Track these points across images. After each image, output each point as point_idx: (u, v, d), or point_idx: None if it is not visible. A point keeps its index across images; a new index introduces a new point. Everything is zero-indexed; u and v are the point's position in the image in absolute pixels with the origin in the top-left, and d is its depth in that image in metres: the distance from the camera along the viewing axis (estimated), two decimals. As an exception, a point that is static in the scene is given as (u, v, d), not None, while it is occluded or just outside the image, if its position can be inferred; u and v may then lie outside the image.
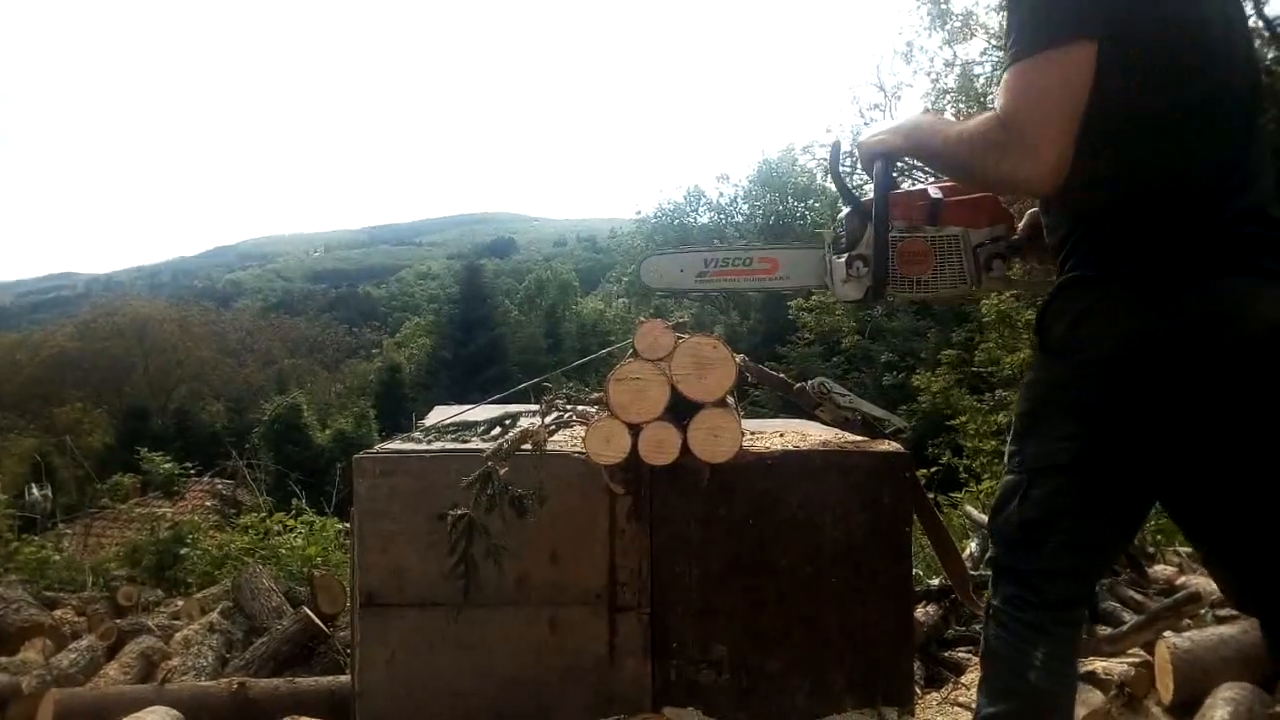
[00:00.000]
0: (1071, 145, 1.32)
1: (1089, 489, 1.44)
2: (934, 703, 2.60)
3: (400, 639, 2.28)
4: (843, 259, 1.91)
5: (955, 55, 18.54)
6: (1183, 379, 1.34)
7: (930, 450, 12.33)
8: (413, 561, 2.27)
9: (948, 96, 18.38)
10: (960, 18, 17.71)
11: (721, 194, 37.36)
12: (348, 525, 2.70)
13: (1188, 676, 2.43)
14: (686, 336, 2.16)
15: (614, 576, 2.30)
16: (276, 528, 5.93)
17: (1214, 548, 1.55)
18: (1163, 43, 1.35)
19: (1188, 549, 3.53)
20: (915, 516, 2.42)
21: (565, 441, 2.38)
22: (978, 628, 1.67)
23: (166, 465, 9.44)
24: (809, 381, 2.66)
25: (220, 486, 13.54)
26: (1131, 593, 3.30)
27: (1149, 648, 2.67)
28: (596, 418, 2.18)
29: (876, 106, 23.48)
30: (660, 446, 2.12)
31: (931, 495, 3.63)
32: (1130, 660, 2.64)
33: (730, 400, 2.25)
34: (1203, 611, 2.94)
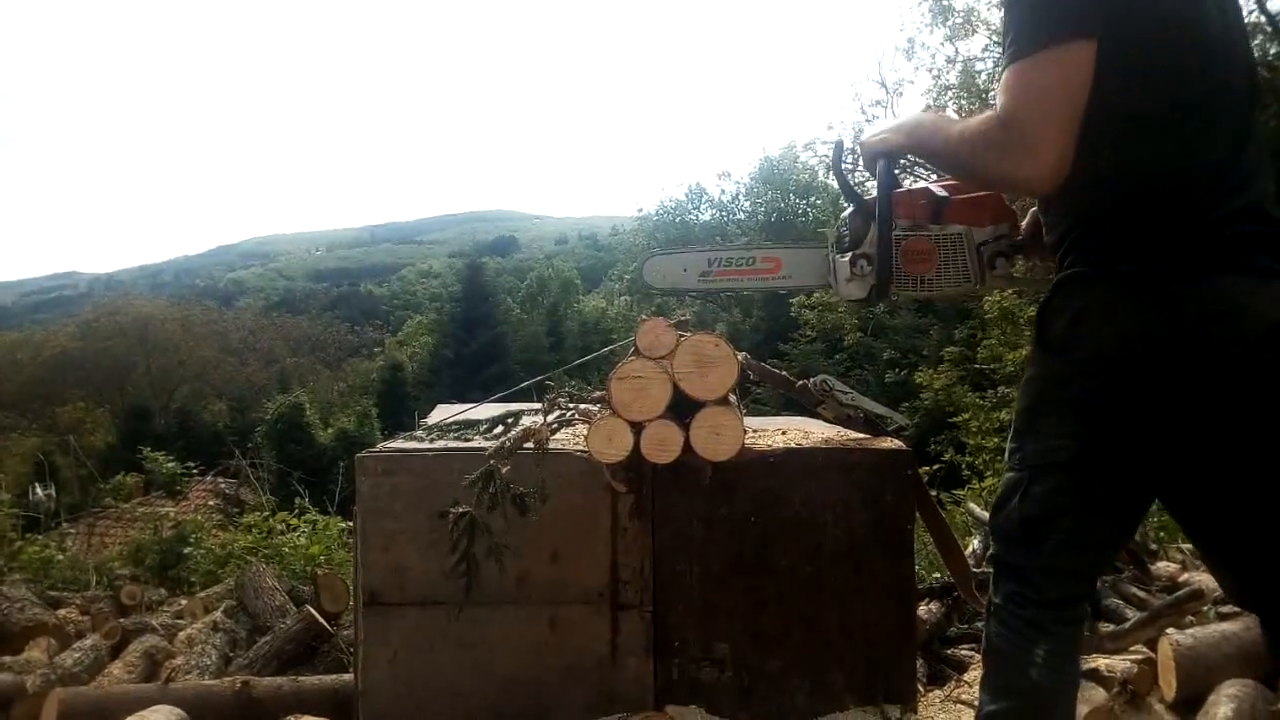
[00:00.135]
0: (1072, 144, 1.32)
1: (1089, 486, 1.44)
2: (936, 701, 2.60)
3: (402, 638, 2.28)
4: (846, 258, 1.91)
5: (957, 51, 18.52)
6: (1181, 376, 1.34)
7: (932, 447, 12.33)
8: (415, 560, 2.27)
9: (949, 93, 18.37)
10: (962, 14, 17.70)
11: (723, 191, 37.43)
12: (350, 524, 2.71)
13: (1190, 673, 2.43)
14: (688, 334, 2.16)
15: (616, 575, 2.30)
16: (279, 527, 5.93)
17: (1213, 545, 1.55)
18: (1161, 42, 1.35)
19: (1190, 546, 3.52)
20: (918, 514, 2.42)
21: (567, 440, 2.38)
22: (980, 625, 1.67)
23: (169, 465, 9.44)
24: (811, 379, 2.66)
25: (223, 485, 13.56)
26: (1134, 590, 3.30)
27: (1152, 645, 2.67)
28: (598, 416, 2.18)
29: (878, 103, 23.46)
30: (662, 445, 2.12)
31: (934, 493, 3.63)
32: (1133, 657, 2.64)
33: (732, 398, 2.25)
34: (1205, 609, 2.94)
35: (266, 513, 6.32)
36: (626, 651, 2.29)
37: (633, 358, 2.15)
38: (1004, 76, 1.37)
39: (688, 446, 2.12)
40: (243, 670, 3.23)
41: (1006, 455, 1.58)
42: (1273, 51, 11.77)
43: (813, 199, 31.33)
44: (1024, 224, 1.84)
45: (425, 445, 2.45)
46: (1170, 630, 2.63)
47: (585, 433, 2.18)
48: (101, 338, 36.08)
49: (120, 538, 7.70)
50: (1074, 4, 1.32)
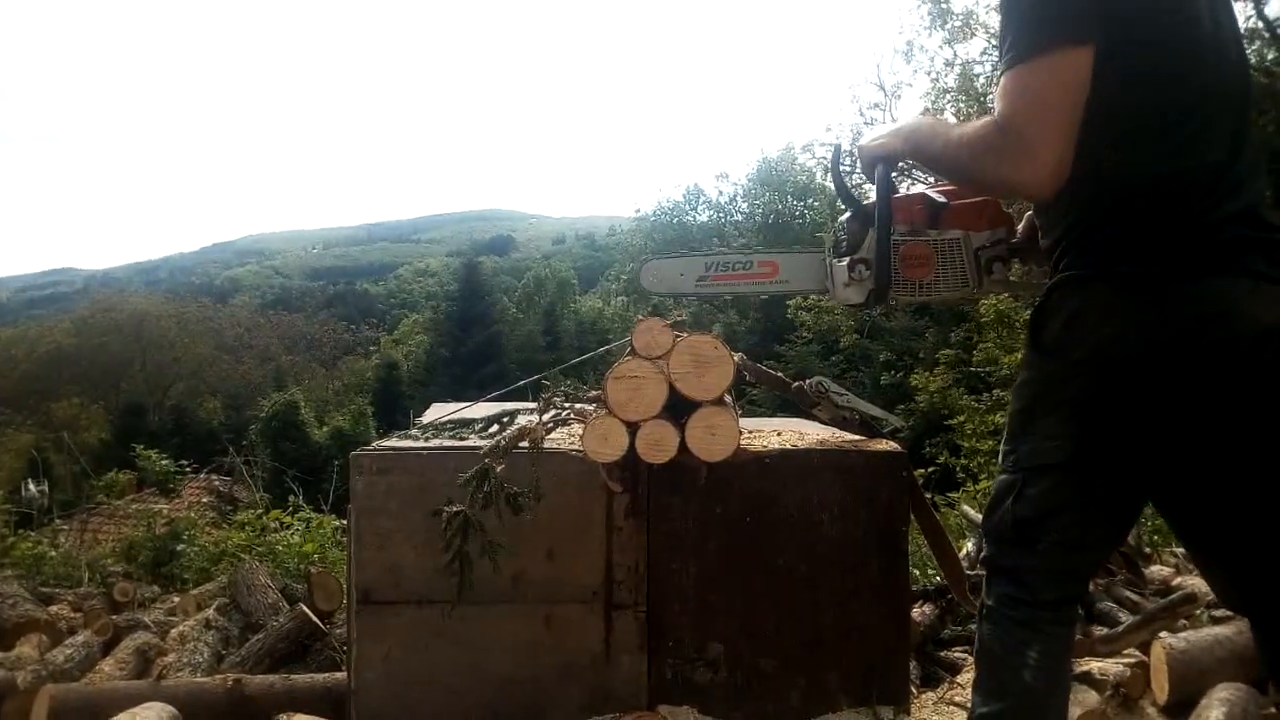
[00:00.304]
0: (1070, 149, 1.32)
1: (1083, 487, 1.45)
2: (930, 702, 2.61)
3: (397, 636, 2.28)
4: (844, 263, 1.91)
5: (955, 54, 18.57)
6: (1175, 378, 1.34)
7: (928, 450, 12.35)
8: (410, 559, 2.26)
9: (948, 96, 18.41)
10: (960, 17, 17.75)
11: (721, 193, 37.39)
12: (345, 522, 2.70)
13: (1183, 677, 2.43)
14: (685, 335, 2.16)
15: (610, 574, 2.29)
16: (273, 524, 5.92)
17: (1205, 547, 1.56)
18: (1157, 46, 1.36)
19: (1183, 550, 3.53)
20: (912, 516, 2.42)
21: (563, 439, 2.37)
22: (974, 627, 1.68)
23: (163, 463, 9.42)
24: (807, 380, 2.66)
25: (217, 483, 13.53)
26: (1128, 593, 3.31)
27: (1145, 648, 2.68)
28: (594, 416, 2.18)
29: (876, 105, 23.51)
30: (658, 445, 2.12)
31: (929, 495, 3.64)
32: (1126, 660, 2.65)
33: (728, 399, 2.25)
34: (1198, 612, 2.94)
35: (260, 510, 6.32)
36: (620, 650, 2.29)
37: (629, 358, 2.15)
38: (1002, 82, 1.37)
39: (683, 447, 2.12)
40: (235, 668, 3.23)
41: (1000, 458, 1.58)
42: (1270, 57, 11.81)
43: (810, 201, 31.34)
44: (1020, 228, 1.84)
45: (420, 444, 2.44)
46: (1163, 634, 2.64)
47: (581, 432, 2.18)
48: (97, 334, 36.04)
49: (113, 534, 7.68)
50: (1071, 9, 1.33)
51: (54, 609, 4.48)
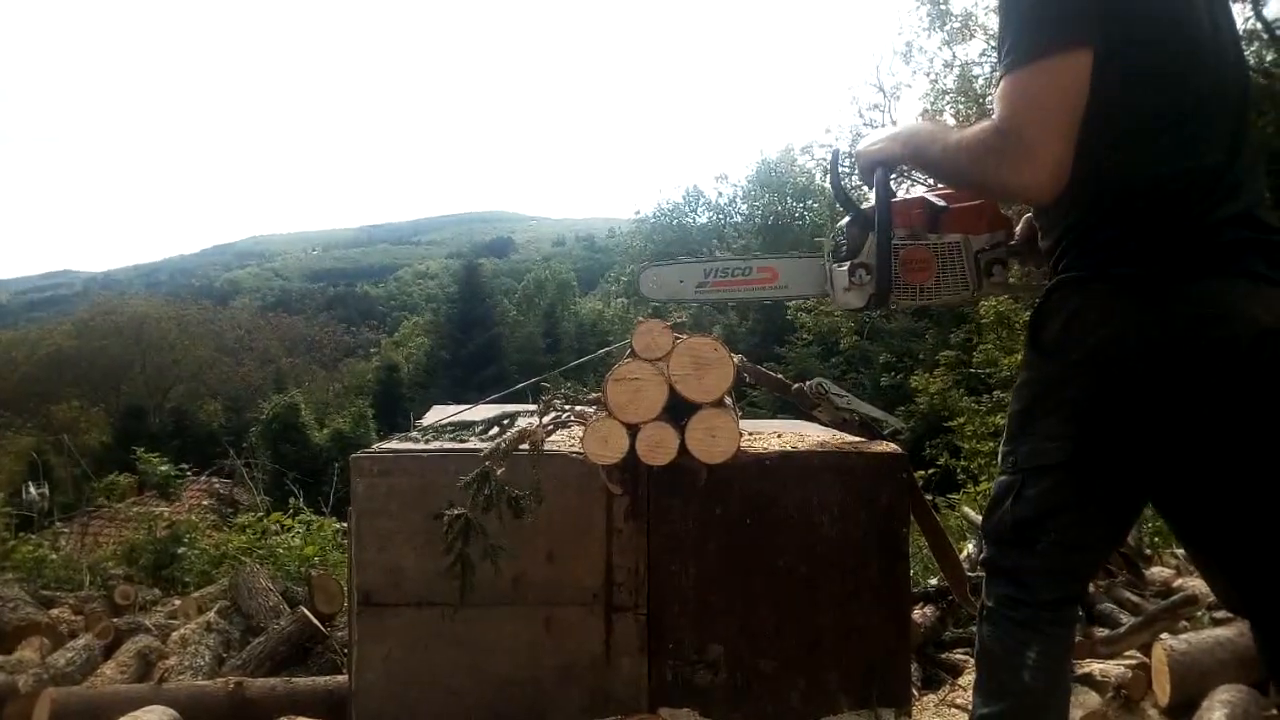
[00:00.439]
0: (1070, 152, 1.32)
1: (1082, 487, 1.45)
2: (931, 704, 2.61)
3: (397, 638, 2.28)
4: (844, 267, 1.92)
5: (954, 56, 18.61)
6: (1173, 379, 1.35)
7: (928, 451, 12.36)
8: (410, 561, 2.27)
9: (947, 97, 18.44)
10: (959, 18, 17.77)
11: (720, 194, 37.49)
12: (345, 525, 2.70)
13: (1184, 679, 2.43)
14: (685, 337, 2.16)
15: (610, 576, 2.30)
16: (274, 527, 5.92)
17: (1205, 548, 1.56)
18: (1155, 48, 1.36)
19: (1183, 551, 3.54)
20: (913, 517, 2.42)
21: (563, 441, 2.37)
22: (975, 629, 1.68)
23: (163, 467, 9.42)
24: (807, 382, 2.66)
25: (218, 485, 13.54)
26: (1128, 595, 3.31)
27: (1146, 650, 2.68)
28: (594, 418, 2.18)
29: (875, 107, 23.58)
30: (658, 447, 2.12)
31: (929, 496, 3.64)
32: (1127, 662, 2.65)
33: (728, 401, 2.25)
34: (1199, 614, 2.94)
35: (261, 513, 6.32)
36: (620, 652, 2.29)
37: (629, 360, 2.15)
38: (1001, 85, 1.37)
39: (683, 449, 2.12)
40: (236, 671, 3.23)
41: (1000, 459, 1.58)
42: (1269, 58, 11.81)
43: (810, 202, 31.38)
44: (1018, 230, 1.85)
45: (421, 446, 2.45)
46: (1164, 635, 2.64)
47: (581, 434, 2.18)
48: (97, 337, 36.05)
49: (114, 537, 7.68)
50: (1070, 12, 1.33)
51: (55, 612, 4.48)
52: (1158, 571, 3.66)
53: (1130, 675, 2.53)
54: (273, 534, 5.77)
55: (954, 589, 2.73)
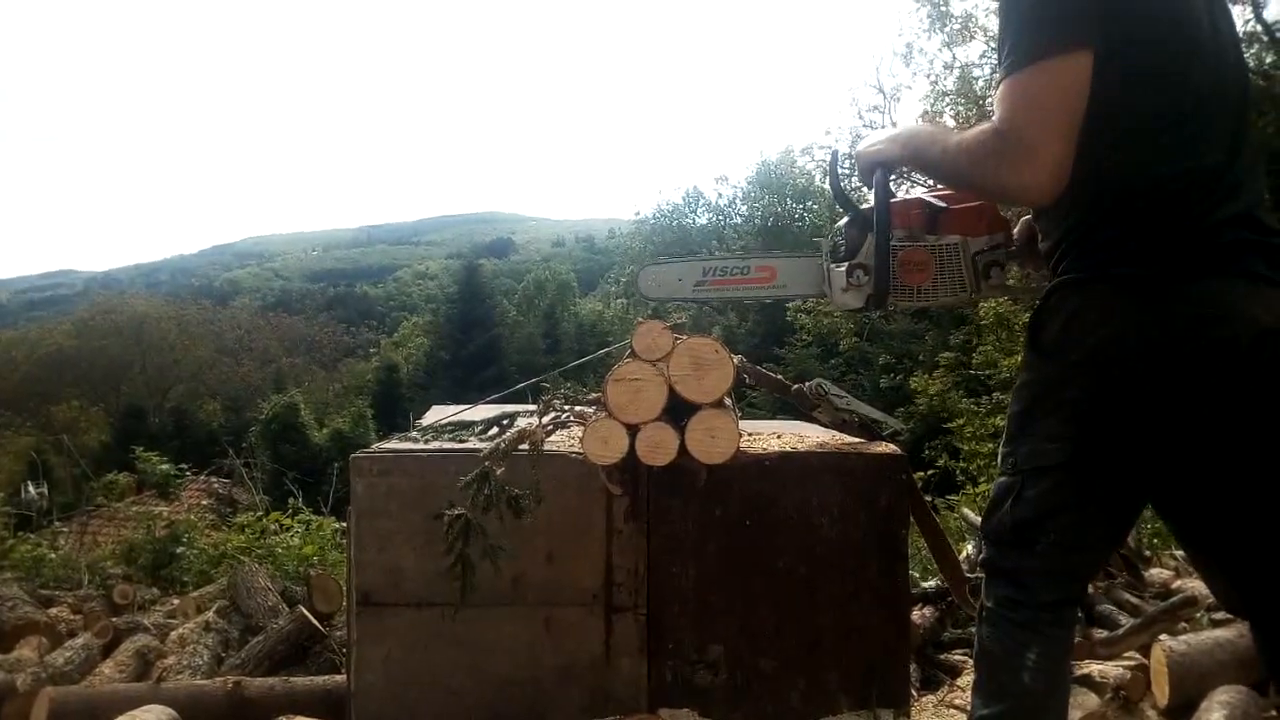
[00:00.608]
0: (1071, 154, 1.32)
1: (1082, 488, 1.45)
2: (930, 705, 2.61)
3: (396, 638, 2.28)
4: (842, 268, 1.91)
5: (955, 57, 18.61)
6: (1174, 379, 1.35)
7: (927, 453, 12.36)
8: (409, 561, 2.27)
9: (947, 99, 18.45)
10: (960, 20, 17.78)
11: (720, 195, 37.49)
12: (344, 525, 2.70)
13: (1183, 680, 2.43)
14: (685, 337, 2.16)
15: (610, 577, 2.30)
16: (273, 527, 5.93)
17: (1204, 549, 1.56)
18: (1155, 49, 1.36)
19: (1182, 553, 3.54)
20: (912, 518, 2.42)
21: (563, 442, 2.38)
22: (974, 630, 1.68)
23: (163, 467, 9.42)
24: (806, 383, 2.67)
25: (217, 485, 13.54)
26: (1128, 596, 3.31)
27: (1145, 651, 2.68)
28: (594, 418, 2.18)
29: (875, 108, 23.60)
30: (658, 447, 2.12)
31: (928, 498, 3.64)
32: (1126, 663, 2.65)
33: (728, 401, 2.25)
34: (1199, 615, 2.94)
35: (260, 513, 6.32)
36: (620, 653, 2.29)
37: (629, 360, 2.15)
38: (1001, 87, 1.37)
39: (683, 449, 2.12)
40: (235, 670, 3.23)
41: (999, 460, 1.58)
42: (1269, 60, 11.82)
43: (810, 204, 31.37)
44: (1016, 231, 1.85)
45: (420, 446, 2.45)
46: (1163, 636, 2.64)
47: (581, 435, 2.18)
48: (97, 336, 36.05)
49: (113, 537, 7.68)
50: (1070, 14, 1.33)
51: (54, 611, 4.48)
52: (1157, 573, 3.66)
53: (1129, 676, 2.53)
54: (272, 534, 5.78)
55: (953, 590, 2.73)
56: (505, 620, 2.28)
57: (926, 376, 14.64)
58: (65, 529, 8.41)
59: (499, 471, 2.02)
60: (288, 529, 5.89)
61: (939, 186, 1.86)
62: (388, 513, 2.28)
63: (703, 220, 37.16)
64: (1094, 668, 2.60)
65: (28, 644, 3.82)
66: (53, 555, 6.05)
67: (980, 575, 1.64)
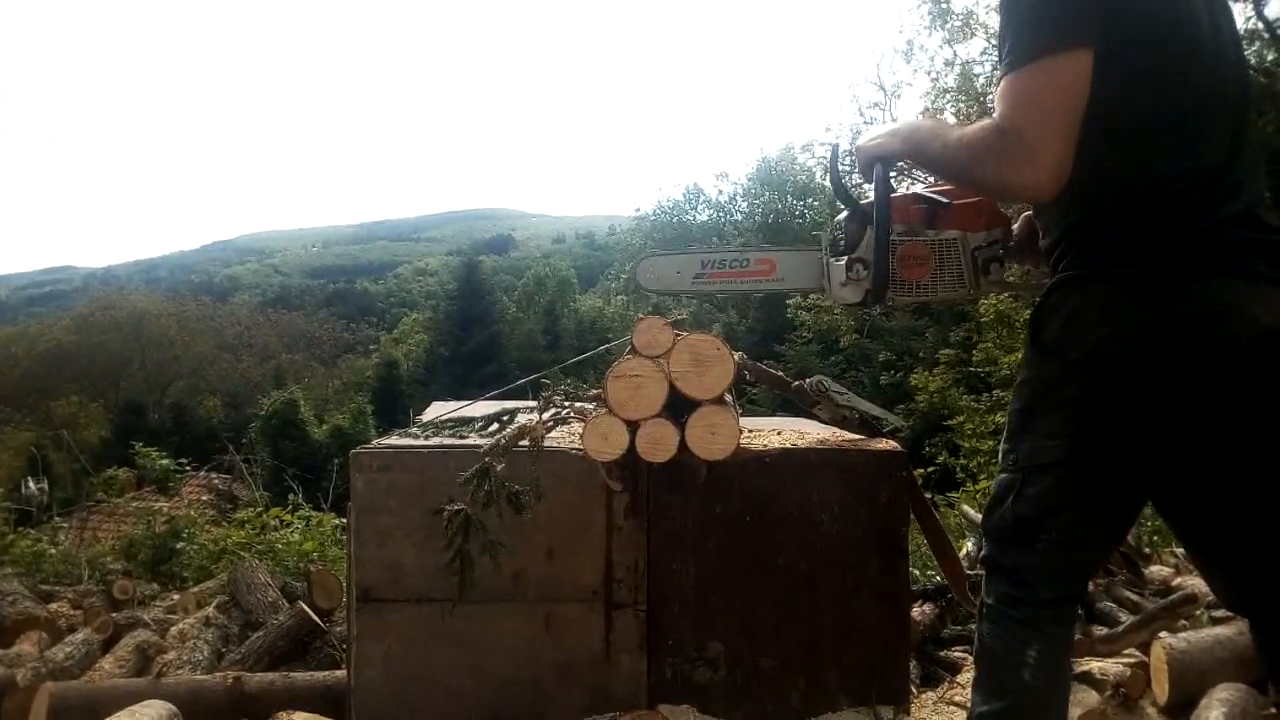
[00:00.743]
0: (1071, 152, 1.32)
1: (1082, 486, 1.45)
2: (930, 702, 2.61)
3: (396, 634, 2.28)
4: (841, 262, 1.91)
5: (955, 54, 18.58)
6: (1174, 377, 1.35)
7: (927, 450, 12.35)
8: (410, 557, 2.27)
9: (948, 96, 18.42)
10: (960, 17, 17.75)
11: (720, 192, 37.40)
12: (344, 520, 2.70)
13: (1183, 677, 2.43)
14: (685, 334, 2.16)
15: (610, 573, 2.30)
16: (273, 522, 5.93)
17: (1204, 547, 1.56)
18: (1155, 48, 1.36)
19: (1182, 550, 3.54)
20: (912, 515, 2.42)
21: (563, 438, 2.37)
22: (974, 627, 1.68)
23: (162, 462, 9.42)
24: (807, 380, 2.66)
25: (217, 481, 13.53)
26: (1128, 593, 3.31)
27: (1145, 648, 2.68)
28: (594, 414, 2.18)
29: (876, 105, 23.56)
30: (658, 444, 2.12)
31: (928, 495, 3.64)
32: (1126, 661, 2.65)
33: (728, 398, 2.25)
34: (1198, 612, 2.94)
35: (260, 508, 6.33)
36: (620, 650, 2.29)
37: (629, 356, 2.15)
38: (1002, 85, 1.37)
39: (683, 446, 2.12)
40: (235, 666, 3.23)
41: (1000, 457, 1.58)
42: (1270, 58, 11.81)
43: (810, 200, 31.32)
44: (1016, 228, 1.84)
45: (420, 442, 2.44)
46: (1163, 634, 2.64)
47: (581, 431, 2.18)
48: (96, 332, 36.03)
49: (113, 532, 7.69)
50: (1071, 12, 1.33)
51: (54, 607, 4.49)
52: (1157, 570, 3.66)
53: (1129, 674, 2.53)
54: (272, 529, 5.78)
55: (953, 587, 2.73)
56: (505, 616, 2.28)
57: (927, 373, 14.64)
58: (65, 524, 8.41)
59: (499, 467, 2.02)
60: (288, 525, 5.90)
61: (939, 182, 1.86)
62: (388, 509, 2.28)
63: (703, 217, 37.11)
64: (1094, 665, 2.60)
65: (28, 639, 3.82)
66: (53, 551, 6.05)
67: (980, 572, 1.64)
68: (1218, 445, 1.38)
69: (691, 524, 2.31)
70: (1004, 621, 1.52)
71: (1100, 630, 2.95)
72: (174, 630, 3.97)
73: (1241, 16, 11.40)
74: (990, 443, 10.31)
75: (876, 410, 2.66)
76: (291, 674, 2.96)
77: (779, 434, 2.64)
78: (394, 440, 2.50)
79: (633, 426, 2.11)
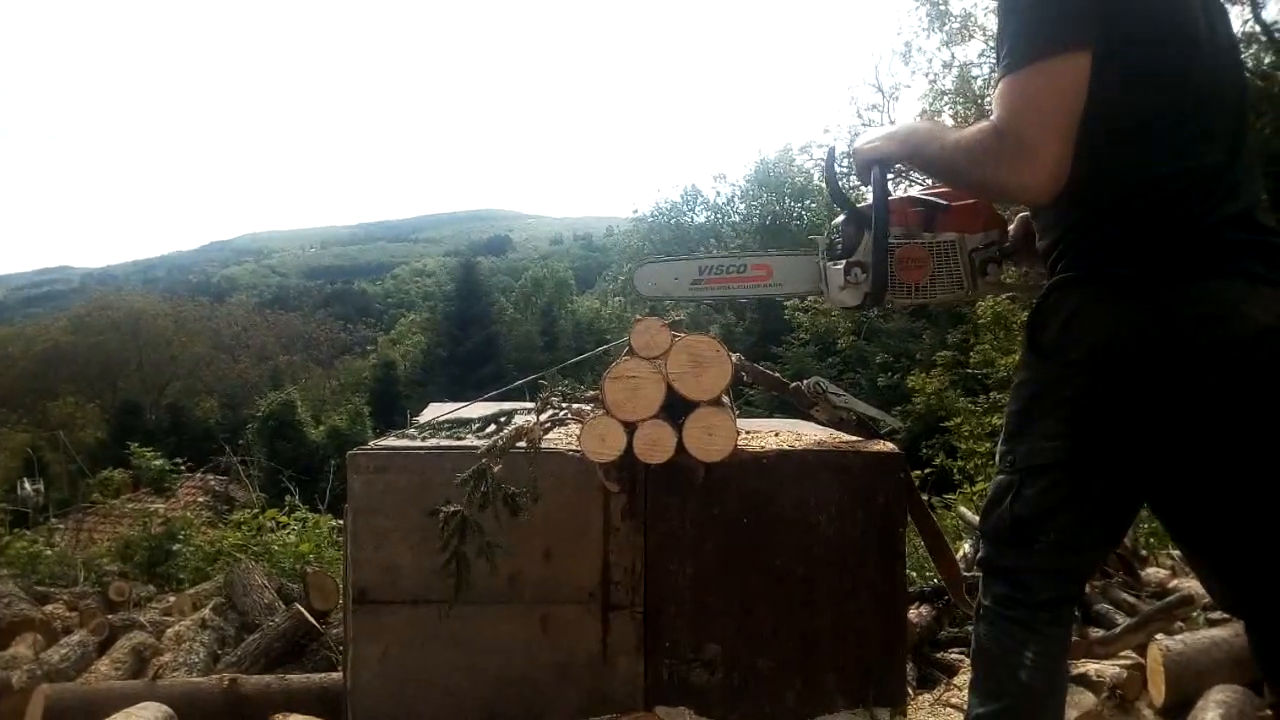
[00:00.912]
0: (1069, 153, 1.33)
1: (1080, 487, 1.45)
2: (926, 704, 2.61)
3: (393, 636, 2.27)
4: (839, 266, 1.91)
5: (953, 56, 18.60)
6: (1173, 378, 1.35)
7: (924, 451, 12.36)
8: (406, 559, 2.26)
9: (945, 98, 18.44)
10: (959, 19, 17.76)
11: (718, 193, 37.46)
12: (341, 522, 2.70)
13: (1179, 679, 2.43)
14: (683, 335, 2.16)
15: (607, 575, 2.29)
16: (269, 524, 5.92)
17: (1200, 549, 1.56)
18: (1154, 50, 1.36)
19: (1179, 552, 3.54)
20: (909, 517, 2.42)
21: (560, 439, 2.37)
22: (971, 629, 1.68)
23: (157, 462, 9.40)
24: (804, 381, 2.66)
25: (213, 482, 13.51)
26: (1124, 595, 3.32)
27: (1141, 650, 2.68)
28: (591, 416, 2.18)
29: (874, 107, 23.59)
30: (655, 445, 2.12)
31: (925, 496, 3.64)
32: (1122, 662, 2.65)
33: (726, 399, 2.25)
34: (1195, 614, 2.95)
35: (256, 510, 6.31)
36: (617, 651, 2.29)
37: (627, 358, 2.15)
38: (1000, 86, 1.37)
39: (681, 447, 2.12)
40: (231, 668, 3.22)
41: (997, 458, 1.58)
42: (1268, 60, 11.83)
43: (808, 202, 31.34)
44: (1012, 229, 1.85)
45: (417, 443, 2.44)
46: (1160, 636, 2.64)
47: (578, 432, 2.18)
48: (93, 333, 35.98)
49: (109, 534, 7.67)
50: (1069, 14, 1.33)
51: (49, 608, 4.47)
52: (1153, 572, 3.66)
53: (1125, 675, 2.53)
54: (268, 531, 5.77)
55: (950, 588, 2.73)
56: (502, 618, 2.28)
57: (924, 375, 14.66)
58: (61, 526, 8.39)
59: (496, 469, 2.01)
60: (284, 526, 5.88)
61: (936, 184, 1.86)
62: (385, 510, 2.27)
63: (701, 218, 37.15)
64: (1091, 666, 2.60)
65: (23, 641, 3.81)
66: (49, 552, 6.04)
67: (978, 574, 1.64)
68: (1216, 446, 1.38)
69: (689, 525, 2.31)
70: (1001, 623, 1.52)
71: (1097, 632, 2.95)
72: (170, 632, 3.96)
73: (1239, 19, 11.43)
74: (987, 444, 10.33)
75: (874, 412, 2.66)
76: (288, 676, 2.95)
77: (776, 435, 2.64)
78: (391, 441, 2.50)
79: (630, 428, 2.11)
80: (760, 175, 34.15)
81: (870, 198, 1.77)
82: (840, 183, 2.00)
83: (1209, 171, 1.38)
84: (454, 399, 3.51)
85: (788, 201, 32.95)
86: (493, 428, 2.53)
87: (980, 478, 9.31)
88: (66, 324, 37.82)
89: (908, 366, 16.84)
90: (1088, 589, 3.23)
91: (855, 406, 2.62)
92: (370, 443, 2.52)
